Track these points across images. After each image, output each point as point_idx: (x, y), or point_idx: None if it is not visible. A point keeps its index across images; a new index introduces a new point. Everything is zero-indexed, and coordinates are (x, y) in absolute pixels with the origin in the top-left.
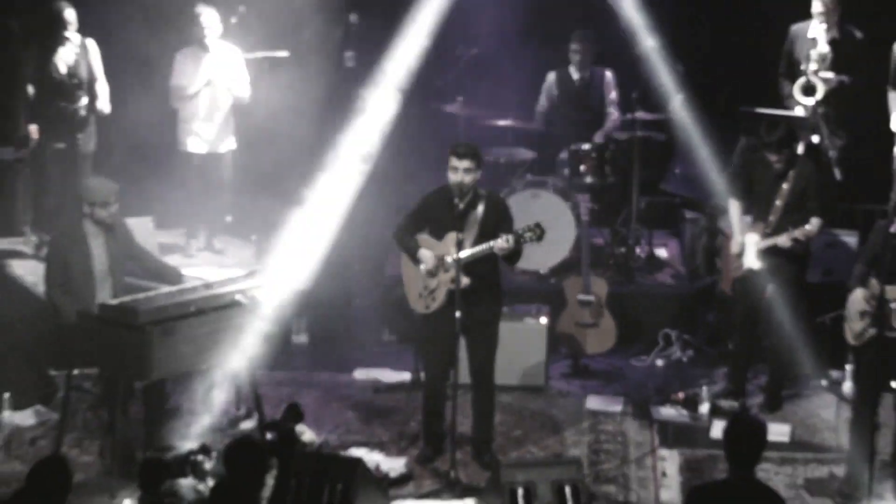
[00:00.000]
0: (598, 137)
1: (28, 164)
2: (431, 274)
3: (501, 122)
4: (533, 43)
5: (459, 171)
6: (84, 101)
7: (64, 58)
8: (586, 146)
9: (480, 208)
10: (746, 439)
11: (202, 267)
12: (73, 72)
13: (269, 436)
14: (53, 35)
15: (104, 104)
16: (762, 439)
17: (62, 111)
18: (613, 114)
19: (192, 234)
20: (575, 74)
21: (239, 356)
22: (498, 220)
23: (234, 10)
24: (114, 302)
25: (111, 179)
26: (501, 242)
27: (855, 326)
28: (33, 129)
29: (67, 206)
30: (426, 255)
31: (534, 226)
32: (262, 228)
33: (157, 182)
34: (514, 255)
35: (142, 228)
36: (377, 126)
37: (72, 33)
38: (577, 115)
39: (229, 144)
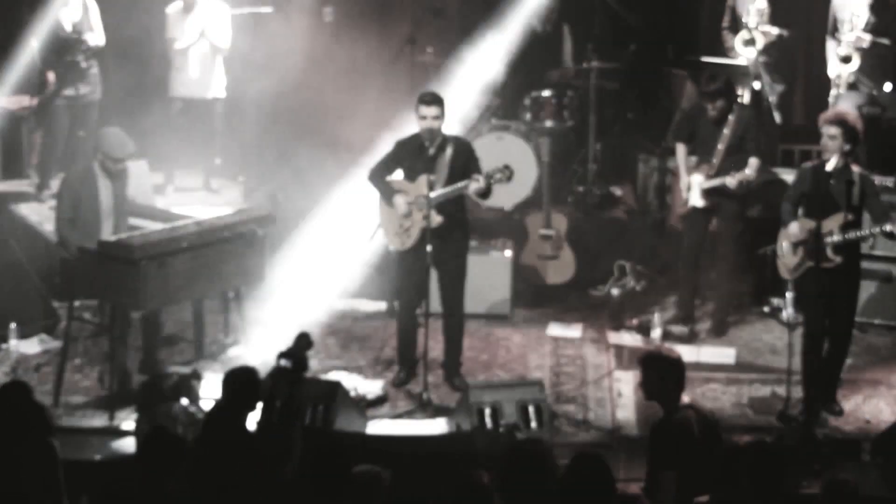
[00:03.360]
0: (553, 74)
1: (34, 112)
2: (406, 215)
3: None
4: None
5: (428, 119)
6: (88, 54)
7: (68, 17)
8: (547, 93)
9: (449, 151)
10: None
11: (194, 206)
12: (77, 29)
13: (283, 362)
14: None
15: (98, 40)
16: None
17: (69, 65)
18: (569, 63)
19: (168, 178)
20: (538, 26)
21: (227, 287)
22: (466, 162)
23: None
24: (112, 238)
25: (124, 134)
26: (475, 184)
27: (789, 261)
28: (51, 76)
29: (80, 149)
30: (399, 200)
31: (503, 167)
32: (247, 171)
33: (151, 126)
34: (485, 193)
35: (137, 171)
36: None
37: None
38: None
39: (218, 92)
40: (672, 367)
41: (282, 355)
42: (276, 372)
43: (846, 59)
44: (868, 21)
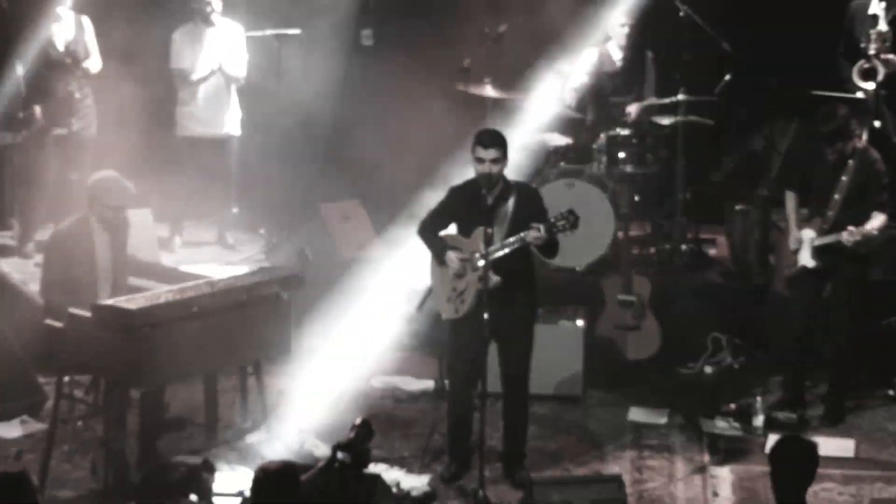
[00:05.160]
0: (633, 108)
1: (20, 150)
2: (459, 275)
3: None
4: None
5: (486, 162)
6: (82, 81)
7: (60, 35)
8: (625, 131)
9: (511, 201)
10: (794, 462)
11: (206, 264)
12: (70, 49)
13: (340, 456)
14: (46, 12)
15: (94, 65)
16: (813, 462)
17: (61, 93)
18: (651, 97)
19: (175, 230)
20: (615, 54)
21: (245, 360)
22: (531, 213)
23: None
24: (108, 301)
25: (124, 178)
26: (534, 233)
27: None
28: (38, 110)
29: (72, 198)
30: (451, 256)
31: (567, 213)
32: (270, 222)
33: (154, 170)
34: (549, 246)
35: (139, 221)
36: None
37: (64, 10)
38: (614, 98)
39: (232, 129)
40: (812, 460)
41: (339, 447)
42: (332, 466)
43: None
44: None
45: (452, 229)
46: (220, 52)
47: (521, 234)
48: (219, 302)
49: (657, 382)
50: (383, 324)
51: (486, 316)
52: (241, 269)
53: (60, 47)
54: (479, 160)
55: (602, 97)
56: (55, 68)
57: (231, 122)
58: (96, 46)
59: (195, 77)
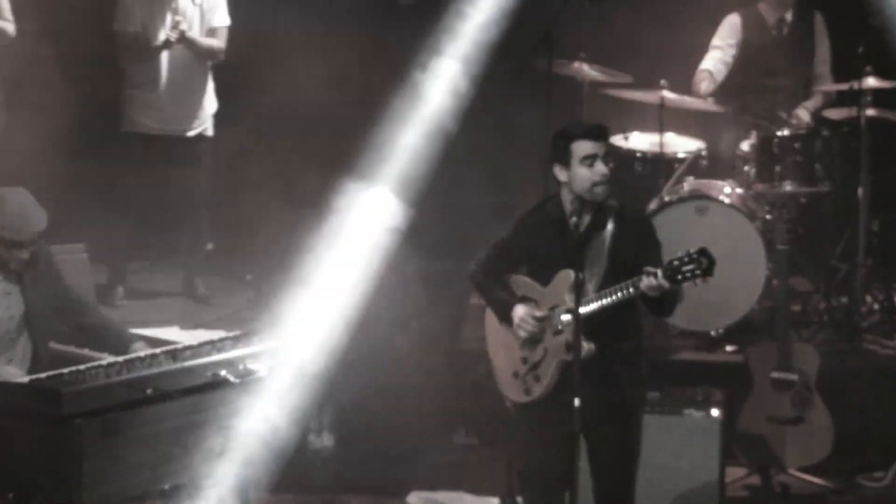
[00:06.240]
0: (803, 114)
1: None
2: (533, 340)
3: (644, 95)
4: None
5: (597, 164)
6: None
7: None
8: (785, 132)
9: (609, 230)
10: None
11: (165, 326)
12: None
13: None
14: None
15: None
16: None
17: None
18: (826, 79)
19: (117, 275)
20: (770, 16)
21: (225, 469)
22: (638, 251)
23: None
24: (23, 380)
25: (36, 201)
26: (650, 280)
27: None
28: None
29: None
30: (522, 312)
31: (696, 253)
32: (260, 263)
33: (89, 186)
34: (666, 301)
35: (69, 262)
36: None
37: None
38: (772, 82)
39: (204, 126)
40: None
41: None
42: None
43: None
44: None
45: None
46: (189, 10)
47: (630, 282)
48: (183, 381)
49: (828, 499)
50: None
51: (576, 403)
52: (217, 334)
53: None
54: (587, 161)
55: (750, 81)
56: None
57: (204, 115)
58: (8, 4)
59: (151, 46)
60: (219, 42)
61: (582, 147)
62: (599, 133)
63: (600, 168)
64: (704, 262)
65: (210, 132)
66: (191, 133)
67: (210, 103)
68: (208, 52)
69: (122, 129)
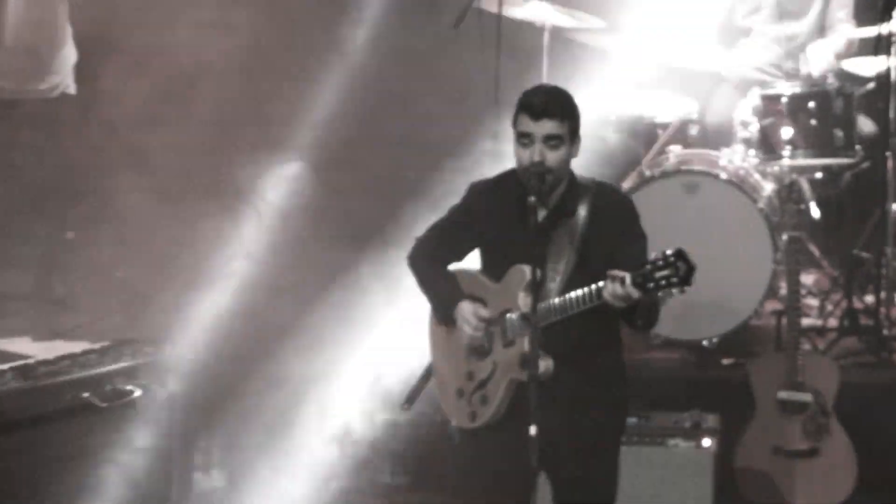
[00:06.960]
0: (815, 71)
1: None
2: (481, 350)
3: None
4: None
5: (535, 144)
6: None
7: None
8: (795, 89)
9: (581, 216)
10: None
11: (12, 337)
12: None
13: None
14: None
15: None
16: None
17: None
18: (847, 25)
19: None
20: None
21: None
22: (615, 241)
23: None
24: None
25: None
26: (613, 288)
27: None
28: None
29: None
30: (468, 311)
31: (672, 256)
32: (133, 256)
33: None
34: (646, 309)
35: None
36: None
37: None
38: (780, 28)
39: (65, 81)
40: None
41: None
42: None
43: None
44: None
45: (472, 261)
46: None
47: (593, 288)
48: (41, 404)
49: None
50: (342, 440)
51: (532, 431)
52: (80, 345)
53: None
54: (524, 139)
55: (754, 24)
56: None
57: (62, 64)
58: None
59: None
60: None
61: (520, 122)
62: (543, 111)
63: (532, 153)
64: (682, 268)
65: (72, 90)
66: (46, 89)
67: (69, 49)
68: None
69: None
